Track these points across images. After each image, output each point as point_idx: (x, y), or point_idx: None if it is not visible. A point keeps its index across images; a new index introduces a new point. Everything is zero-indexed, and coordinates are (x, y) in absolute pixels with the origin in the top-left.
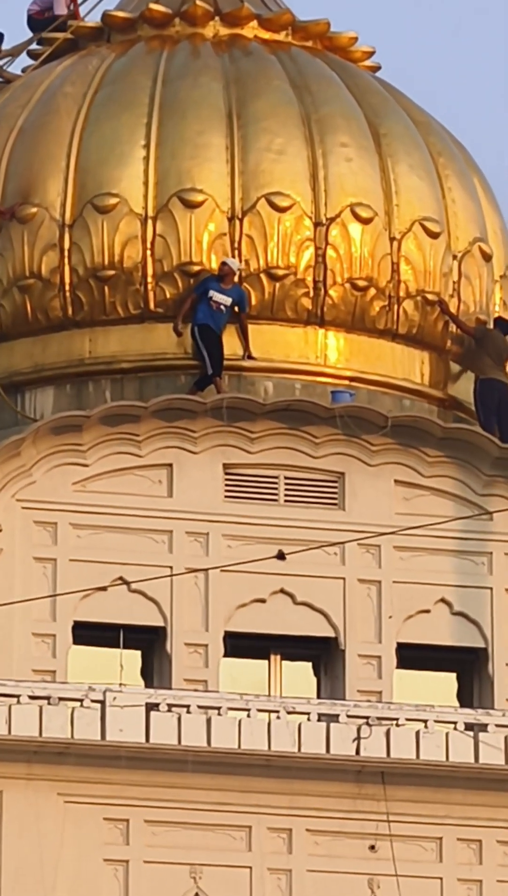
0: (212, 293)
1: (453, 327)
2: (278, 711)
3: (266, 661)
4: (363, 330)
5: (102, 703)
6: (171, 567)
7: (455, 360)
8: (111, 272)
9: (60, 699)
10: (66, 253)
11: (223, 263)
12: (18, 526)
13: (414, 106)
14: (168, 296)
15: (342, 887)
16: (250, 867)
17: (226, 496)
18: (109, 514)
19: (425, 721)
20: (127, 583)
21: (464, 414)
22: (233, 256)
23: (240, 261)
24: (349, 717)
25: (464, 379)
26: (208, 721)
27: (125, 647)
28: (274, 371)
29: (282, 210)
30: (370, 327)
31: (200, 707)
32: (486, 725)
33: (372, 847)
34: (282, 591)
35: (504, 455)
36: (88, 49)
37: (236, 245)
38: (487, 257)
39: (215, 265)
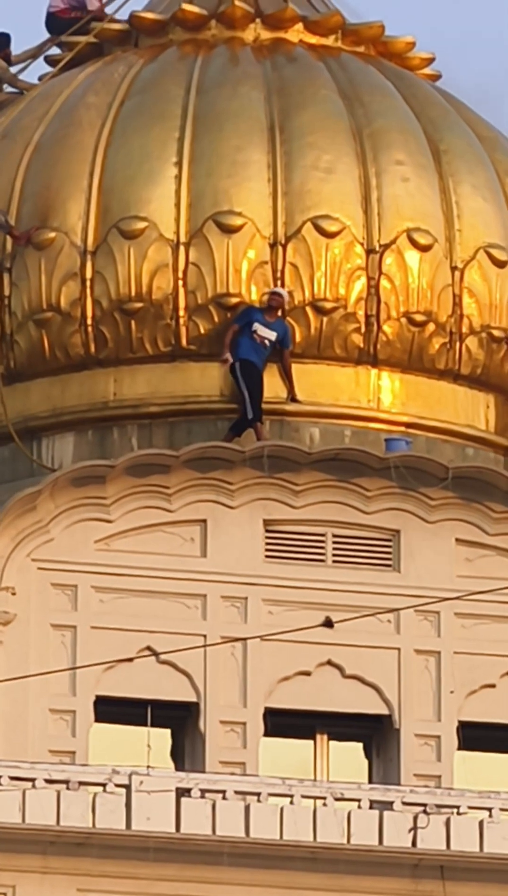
0: (256, 326)
1: None
2: (324, 798)
3: (312, 742)
4: (420, 370)
5: (128, 787)
6: (205, 636)
7: None
8: (139, 305)
9: (81, 783)
10: (88, 283)
11: (274, 293)
12: (34, 589)
13: (479, 119)
14: (202, 331)
15: None
16: None
17: (267, 556)
18: (136, 577)
19: (489, 809)
20: (156, 653)
21: None
22: (276, 286)
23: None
24: (404, 804)
25: None
26: (247, 808)
27: (153, 725)
28: (321, 416)
29: (330, 235)
30: (428, 367)
31: (237, 793)
32: None
33: None
34: (330, 662)
35: None
36: (114, 55)
37: (278, 274)
38: None
39: (254, 297)
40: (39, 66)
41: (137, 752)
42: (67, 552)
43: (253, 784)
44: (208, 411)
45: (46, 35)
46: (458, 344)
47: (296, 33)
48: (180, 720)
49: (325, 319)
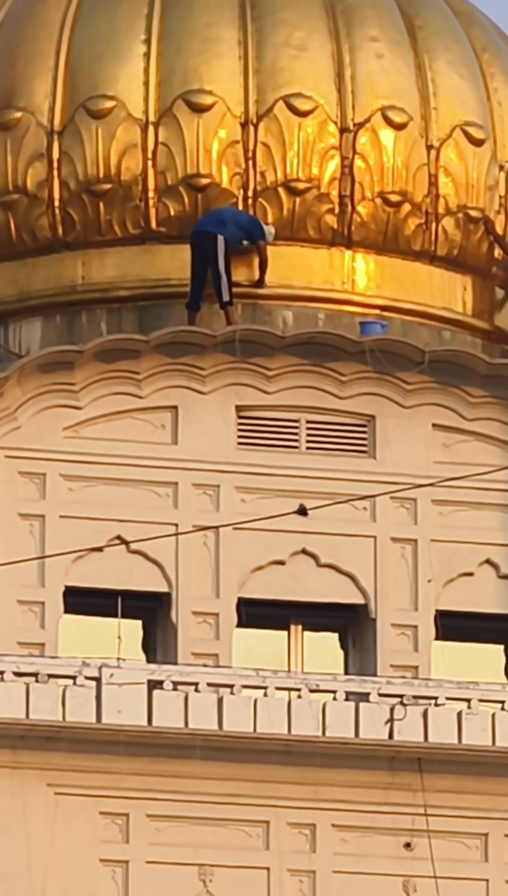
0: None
1: (499, 249)
2: (299, 690)
3: (286, 632)
4: (396, 252)
5: (98, 680)
6: (176, 525)
7: (502, 285)
8: (107, 186)
9: (50, 676)
10: (55, 164)
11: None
12: (1, 477)
13: None
14: (172, 213)
15: (373, 891)
16: (268, 868)
17: (239, 443)
18: (105, 464)
19: (468, 700)
20: (126, 542)
21: None
22: (247, 166)
23: (255, 172)
24: (380, 695)
25: None
26: (220, 701)
27: (124, 616)
28: (294, 299)
29: (303, 114)
30: (404, 249)
31: (210, 685)
32: None
33: (408, 845)
34: (304, 551)
35: None
36: None
37: (249, 155)
38: None
39: (225, 177)
40: None
41: (108, 644)
42: (35, 440)
43: (226, 676)
44: (179, 295)
45: None
46: (434, 224)
47: None
48: (152, 611)
49: (298, 200)
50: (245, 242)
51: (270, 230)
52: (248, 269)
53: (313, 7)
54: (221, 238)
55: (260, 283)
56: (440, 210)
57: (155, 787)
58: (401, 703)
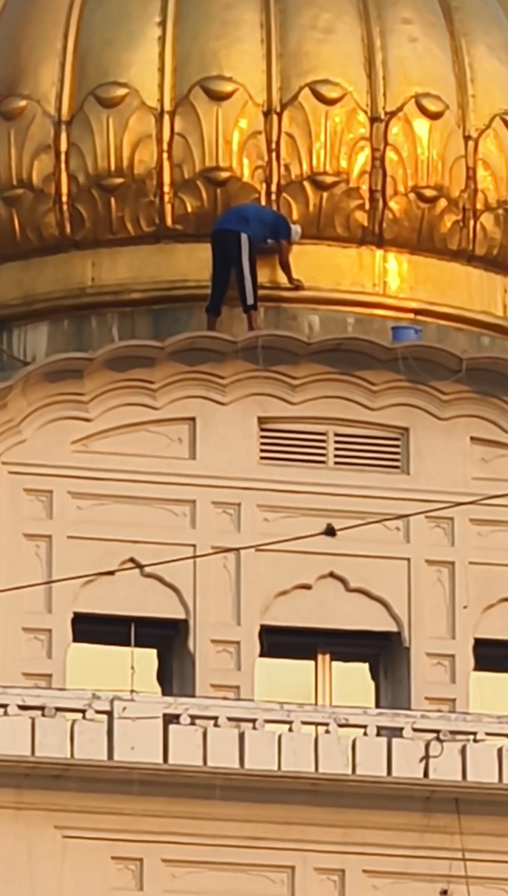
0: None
1: None
2: (327, 724)
3: (313, 662)
4: (431, 251)
5: (110, 714)
6: (194, 546)
7: None
8: (119, 180)
9: (58, 710)
10: (62, 157)
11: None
12: (5, 495)
13: None
14: (189, 209)
15: None
16: None
17: (262, 457)
18: (117, 481)
19: None
20: (140, 566)
21: None
22: (270, 158)
23: (279, 165)
24: (415, 730)
25: None
26: (241, 737)
27: (137, 644)
28: (321, 302)
29: (330, 102)
30: (439, 248)
31: (230, 719)
32: None
33: (444, 892)
34: (332, 575)
35: None
36: None
37: (273, 146)
38: None
39: (247, 171)
40: None
41: (120, 675)
42: (41, 454)
43: (248, 710)
44: (197, 298)
45: None
46: (472, 221)
47: None
48: (167, 639)
49: (325, 195)
50: (270, 241)
51: (296, 229)
52: (271, 269)
53: None
54: (244, 237)
55: (296, 286)
56: (479, 206)
57: (171, 829)
58: (437, 738)
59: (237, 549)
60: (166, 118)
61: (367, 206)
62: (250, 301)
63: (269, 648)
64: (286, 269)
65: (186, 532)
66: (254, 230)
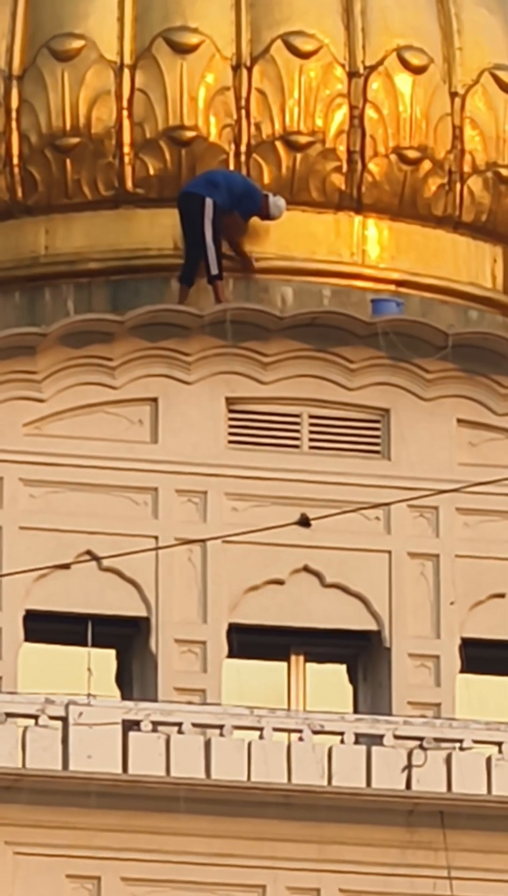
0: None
1: None
2: (301, 731)
3: (285, 664)
4: (414, 217)
5: (65, 720)
6: (156, 537)
7: None
8: (75, 140)
9: (8, 715)
10: (13, 114)
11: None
12: None
13: None
14: (151, 172)
15: None
16: None
17: (230, 441)
18: (73, 467)
19: (498, 744)
20: (97, 558)
21: None
22: (239, 117)
23: (249, 124)
24: (396, 738)
25: None
26: (207, 744)
27: (95, 644)
28: (295, 272)
29: (305, 56)
30: (423, 214)
31: (195, 725)
32: None
33: None
34: (306, 569)
35: None
36: None
37: (242, 103)
38: None
39: (213, 129)
40: None
41: (76, 678)
42: None
43: (215, 715)
44: (159, 268)
45: None
46: (458, 185)
47: None
48: (127, 639)
49: (299, 157)
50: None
51: (278, 203)
52: (249, 239)
53: None
54: (209, 202)
55: (247, 267)
56: (466, 168)
57: (131, 845)
58: (420, 746)
59: (203, 541)
60: (126, 72)
61: (345, 169)
62: (214, 271)
63: (238, 649)
64: (234, 245)
65: (147, 522)
66: (221, 197)
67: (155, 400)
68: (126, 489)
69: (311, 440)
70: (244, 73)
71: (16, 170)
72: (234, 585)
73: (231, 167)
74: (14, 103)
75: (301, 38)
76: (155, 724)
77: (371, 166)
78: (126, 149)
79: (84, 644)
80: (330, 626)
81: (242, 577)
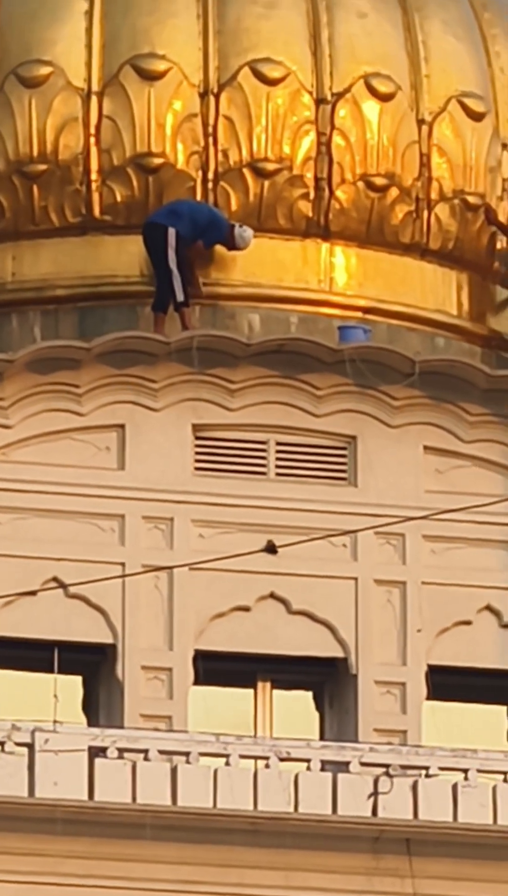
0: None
1: (502, 240)
2: (267, 758)
3: (252, 691)
4: (381, 244)
5: (31, 746)
6: (123, 564)
7: (504, 283)
8: (42, 167)
9: None
10: None
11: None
12: None
13: None
14: (119, 199)
15: None
16: None
17: (197, 468)
18: (39, 493)
19: (465, 771)
20: (63, 585)
21: None
22: (206, 143)
23: (216, 151)
24: (362, 765)
25: None
26: (174, 771)
27: (61, 671)
28: (262, 299)
29: (272, 83)
30: (390, 241)
31: (162, 753)
32: None
33: None
34: (272, 595)
35: None
36: None
37: (209, 130)
38: None
39: (181, 156)
40: None
41: (42, 704)
42: None
43: (181, 742)
44: (126, 294)
45: None
46: (426, 213)
47: None
48: (94, 665)
49: (266, 184)
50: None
51: (244, 234)
52: (216, 266)
53: None
54: (172, 230)
55: (195, 293)
56: (433, 196)
57: (97, 872)
58: (387, 773)
59: (170, 568)
60: (94, 99)
61: (312, 196)
62: (179, 298)
63: (204, 676)
64: (187, 276)
65: (114, 549)
66: (184, 227)
67: (122, 426)
68: (93, 516)
69: (278, 467)
70: (212, 100)
71: None
72: (200, 612)
73: (198, 194)
74: None
75: (269, 65)
76: (121, 750)
77: (339, 193)
78: (94, 175)
79: (50, 671)
80: (297, 653)
81: (208, 603)
